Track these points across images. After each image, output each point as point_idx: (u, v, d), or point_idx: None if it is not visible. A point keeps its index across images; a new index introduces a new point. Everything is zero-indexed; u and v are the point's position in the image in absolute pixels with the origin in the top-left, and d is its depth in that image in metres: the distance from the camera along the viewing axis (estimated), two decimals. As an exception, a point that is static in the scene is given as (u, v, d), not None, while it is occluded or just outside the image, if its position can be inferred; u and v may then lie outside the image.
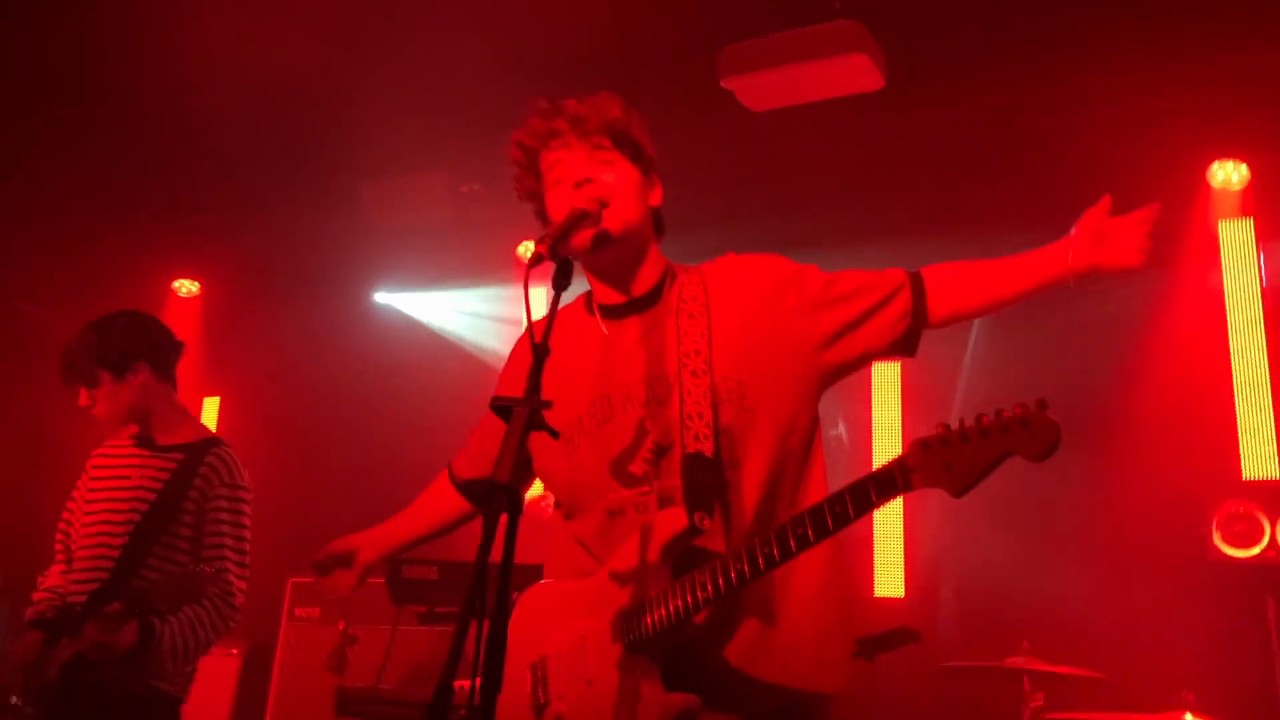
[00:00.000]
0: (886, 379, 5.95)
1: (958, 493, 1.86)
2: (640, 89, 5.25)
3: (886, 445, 5.83)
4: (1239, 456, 5.06)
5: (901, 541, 5.63)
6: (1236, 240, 5.33)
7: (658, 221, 2.43)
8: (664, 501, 2.17)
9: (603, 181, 2.31)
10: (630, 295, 2.36)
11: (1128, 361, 5.29)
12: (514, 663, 2.14)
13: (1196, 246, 5.36)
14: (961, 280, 2.34)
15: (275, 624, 5.60)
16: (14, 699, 3.26)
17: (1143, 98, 5.14)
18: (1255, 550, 4.81)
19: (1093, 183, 5.41)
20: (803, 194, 5.84)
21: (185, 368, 7.47)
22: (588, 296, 2.46)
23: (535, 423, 2.05)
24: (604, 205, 2.28)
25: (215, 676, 5.74)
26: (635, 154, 2.37)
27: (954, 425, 1.86)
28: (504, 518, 1.95)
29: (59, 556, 3.58)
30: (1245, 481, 5.02)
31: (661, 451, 2.20)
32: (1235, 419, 5.11)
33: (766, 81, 4.84)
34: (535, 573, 2.40)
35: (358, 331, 7.43)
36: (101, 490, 3.48)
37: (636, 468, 2.22)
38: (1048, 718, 3.96)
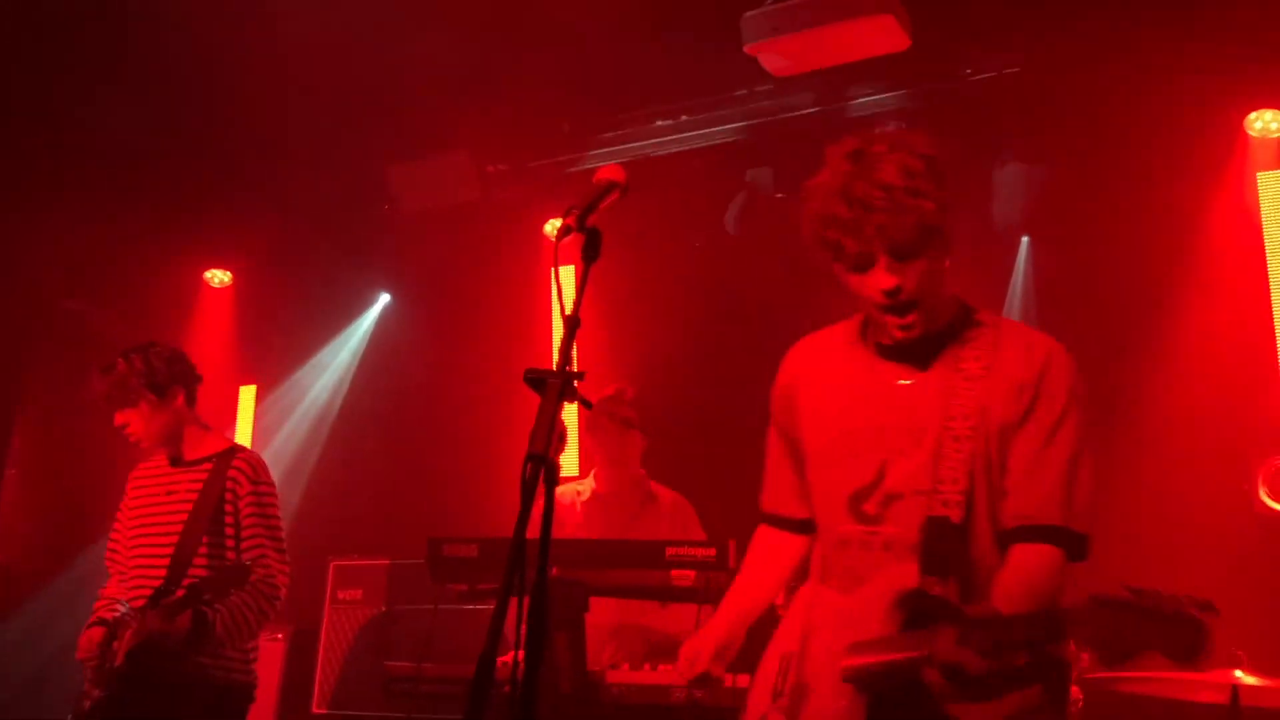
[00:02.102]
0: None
1: (1101, 664, 2.00)
2: (665, 56, 5.26)
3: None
4: (1281, 409, 4.98)
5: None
6: (1276, 191, 5.22)
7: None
8: (888, 547, 2.22)
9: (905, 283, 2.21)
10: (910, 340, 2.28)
11: (1168, 320, 5.21)
12: (774, 647, 2.37)
13: (1235, 198, 5.25)
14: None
15: (319, 607, 5.65)
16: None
17: (1178, 46, 5.03)
18: (1301, 504, 4.74)
19: (1131, 134, 5.36)
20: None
21: (220, 357, 7.58)
22: (863, 324, 2.41)
23: (568, 394, 2.06)
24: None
25: (262, 660, 5.77)
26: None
27: (1130, 596, 1.89)
28: (542, 491, 1.96)
29: (112, 570, 3.96)
30: (1291, 435, 4.94)
31: (893, 499, 2.23)
32: (1278, 372, 5.02)
33: (790, 46, 4.78)
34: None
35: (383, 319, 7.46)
36: (145, 508, 3.88)
37: (870, 508, 2.25)
38: (1094, 677, 3.92)
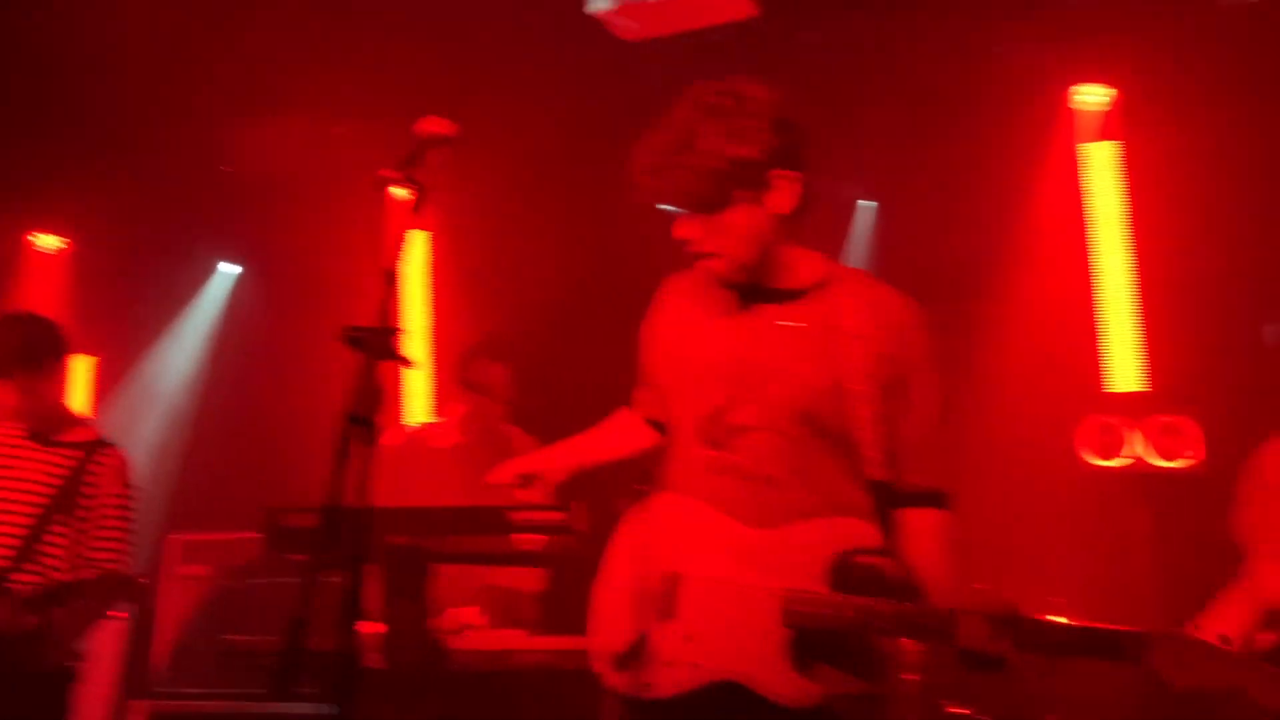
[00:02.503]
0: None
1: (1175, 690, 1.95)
2: (507, 20, 5.20)
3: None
4: (1102, 370, 5.26)
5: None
6: (1099, 161, 5.48)
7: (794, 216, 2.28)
8: (738, 472, 2.24)
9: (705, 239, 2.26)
10: (770, 285, 2.31)
11: (997, 287, 5.43)
12: (644, 559, 2.28)
13: (1060, 169, 5.49)
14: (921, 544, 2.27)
15: (157, 584, 5.47)
16: None
17: (1006, 20, 5.22)
18: (1120, 460, 5.01)
19: (960, 106, 5.54)
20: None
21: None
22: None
23: (388, 352, 2.03)
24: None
25: (103, 639, 5.61)
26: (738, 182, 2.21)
27: (1212, 639, 1.98)
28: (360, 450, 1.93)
29: None
30: (1109, 394, 5.22)
31: (743, 430, 2.24)
32: (1098, 335, 5.30)
33: (637, 11, 4.78)
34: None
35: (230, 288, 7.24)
36: None
37: (719, 434, 2.27)
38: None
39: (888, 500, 2.25)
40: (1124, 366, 5.27)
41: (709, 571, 2.23)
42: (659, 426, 2.54)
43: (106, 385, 7.19)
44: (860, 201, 5.95)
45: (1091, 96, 5.48)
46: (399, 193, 2.20)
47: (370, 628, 4.09)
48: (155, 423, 7.09)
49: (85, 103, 5.97)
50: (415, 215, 2.17)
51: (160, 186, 6.74)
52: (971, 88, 5.26)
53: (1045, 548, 4.84)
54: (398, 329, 2.05)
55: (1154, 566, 4.77)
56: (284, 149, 6.16)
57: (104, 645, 5.58)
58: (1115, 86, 5.44)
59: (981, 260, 5.42)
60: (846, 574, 2.15)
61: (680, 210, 2.25)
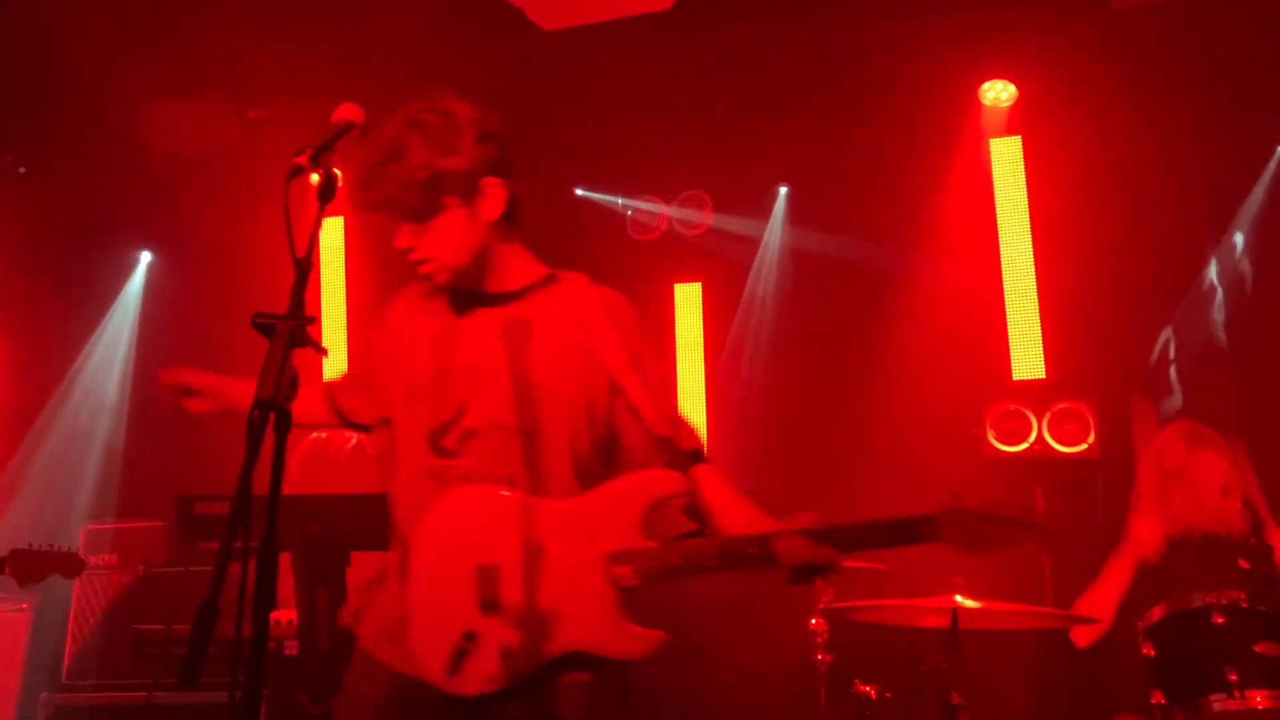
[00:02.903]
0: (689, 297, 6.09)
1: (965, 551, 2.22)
2: (428, 9, 5.17)
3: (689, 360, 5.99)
4: (1009, 359, 5.42)
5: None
6: (1006, 156, 5.65)
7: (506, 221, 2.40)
8: (465, 479, 2.31)
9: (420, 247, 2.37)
10: (488, 289, 2.44)
11: (908, 276, 5.56)
12: (452, 562, 2.29)
13: (970, 163, 5.65)
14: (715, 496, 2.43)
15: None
16: None
17: (919, 21, 5.35)
18: (1024, 445, 5.17)
19: (874, 99, 5.66)
20: (594, 114, 5.84)
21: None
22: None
23: (299, 339, 2.03)
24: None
25: (4, 633, 5.49)
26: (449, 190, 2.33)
27: (979, 506, 2.22)
28: (271, 439, 1.94)
29: None
30: (1015, 382, 5.39)
31: (470, 435, 2.32)
32: (1006, 325, 5.46)
33: (556, -1, 4.81)
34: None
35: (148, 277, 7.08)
36: None
37: (449, 443, 2.33)
38: (837, 607, 4.19)
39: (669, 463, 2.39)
40: (1027, 355, 5.45)
41: (524, 553, 2.27)
42: (339, 414, 2.69)
43: (11, 370, 6.99)
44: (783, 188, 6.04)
45: (1000, 92, 5.63)
46: (313, 179, 2.20)
47: (285, 615, 4.09)
48: (73, 411, 6.92)
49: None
50: (330, 201, 2.18)
51: (76, 169, 6.59)
52: (885, 80, 5.38)
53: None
54: (311, 316, 2.05)
55: (1053, 548, 4.94)
56: (203, 132, 6.04)
57: (5, 638, 5.47)
58: (1018, 83, 5.60)
59: (895, 250, 5.55)
60: (663, 522, 2.31)
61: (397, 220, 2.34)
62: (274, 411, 1.95)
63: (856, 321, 5.56)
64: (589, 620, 2.25)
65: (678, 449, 2.41)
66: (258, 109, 6.25)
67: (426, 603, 2.31)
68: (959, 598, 3.85)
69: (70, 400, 6.92)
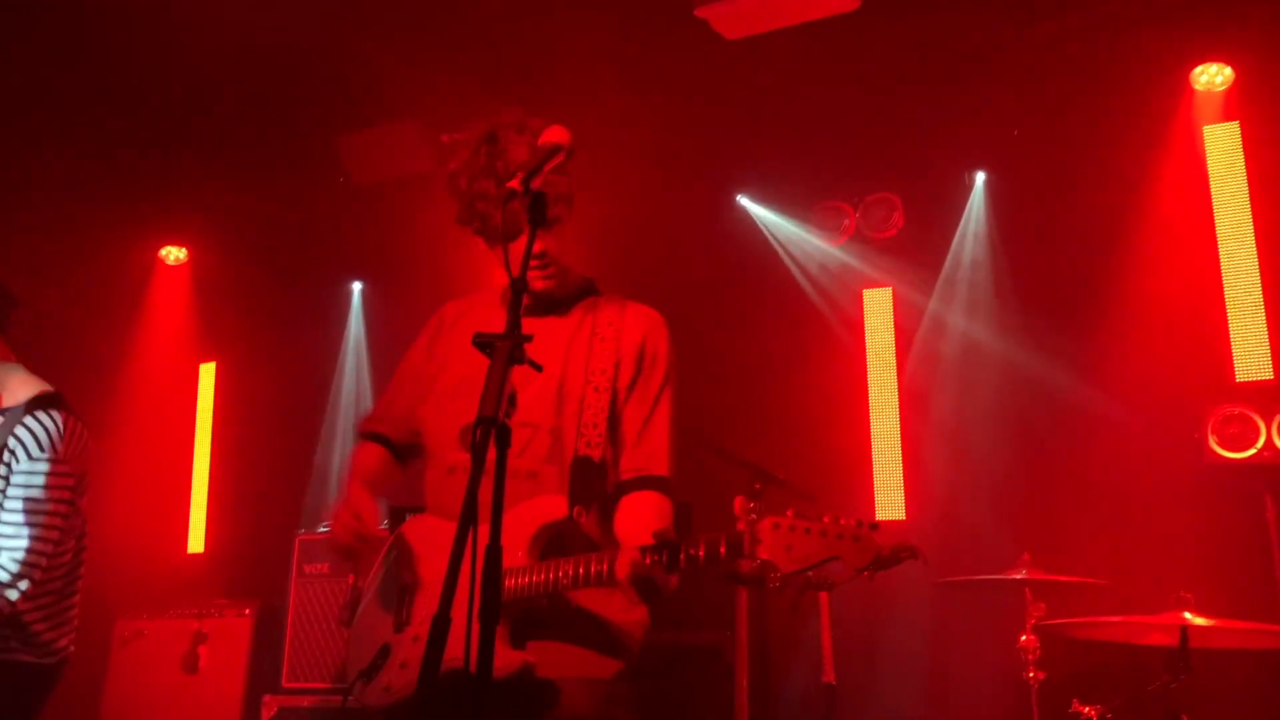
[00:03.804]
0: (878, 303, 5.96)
1: (785, 574, 2.06)
2: (614, 20, 5.24)
3: (881, 372, 5.85)
4: (1231, 359, 5.08)
5: (900, 463, 5.67)
6: (1222, 144, 5.29)
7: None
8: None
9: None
10: (548, 298, 2.63)
11: (1120, 274, 5.29)
12: (389, 582, 2.53)
13: (1182, 151, 5.33)
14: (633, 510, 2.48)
15: (285, 582, 5.65)
16: None
17: (1122, 3, 5.09)
18: (1250, 452, 4.83)
19: (1076, 88, 5.41)
20: (779, 120, 5.79)
21: (180, 335, 7.50)
22: (503, 292, 2.70)
23: (516, 357, 2.08)
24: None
25: (229, 637, 5.82)
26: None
27: (801, 516, 2.07)
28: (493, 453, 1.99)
29: None
30: (1238, 383, 5.04)
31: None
32: (1227, 322, 5.12)
33: (741, 8, 4.79)
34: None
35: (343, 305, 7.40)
36: None
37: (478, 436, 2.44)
38: (1050, 624, 4.01)
39: (618, 481, 2.50)
40: (1252, 354, 5.09)
41: (436, 575, 2.33)
42: (388, 443, 2.77)
43: (229, 390, 7.43)
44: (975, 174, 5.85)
45: (1214, 76, 5.29)
46: (526, 201, 2.26)
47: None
48: (278, 426, 7.27)
49: (206, 118, 6.20)
50: (542, 224, 2.24)
51: (280, 199, 6.97)
52: (1088, 68, 5.13)
53: (1173, 542, 4.71)
54: (527, 335, 2.10)
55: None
56: (398, 159, 6.29)
57: (229, 642, 5.80)
58: (1235, 66, 5.25)
59: (1106, 245, 5.28)
60: (548, 543, 2.37)
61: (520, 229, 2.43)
62: (494, 428, 2.00)
63: (1061, 322, 5.30)
64: (464, 638, 2.27)
65: (622, 476, 2.51)
66: (450, 133, 6.44)
67: (363, 620, 2.55)
68: (1188, 615, 3.63)
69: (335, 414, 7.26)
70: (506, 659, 2.27)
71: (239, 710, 5.63)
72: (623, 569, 2.21)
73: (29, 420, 3.24)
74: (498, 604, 1.93)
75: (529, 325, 2.52)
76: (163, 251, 7.55)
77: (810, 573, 2.06)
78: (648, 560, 2.19)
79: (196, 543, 7.18)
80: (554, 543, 2.38)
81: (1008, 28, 5.26)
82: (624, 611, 2.45)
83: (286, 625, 5.59)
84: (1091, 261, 5.31)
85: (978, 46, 5.35)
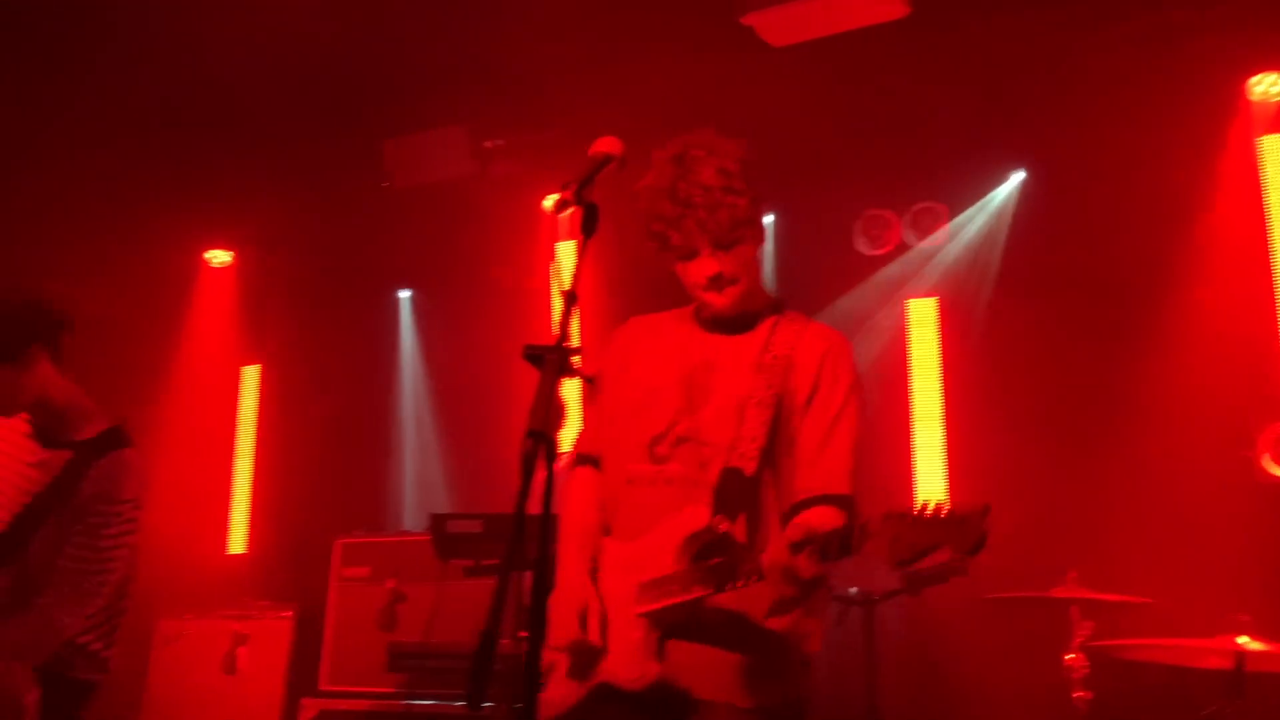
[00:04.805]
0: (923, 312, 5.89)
1: (896, 564, 2.06)
2: (657, 29, 5.23)
3: (925, 383, 5.79)
4: (1282, 376, 4.97)
5: (945, 476, 5.60)
6: (1278, 155, 5.19)
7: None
8: (670, 482, 2.49)
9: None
10: (730, 314, 2.64)
11: (1170, 287, 5.20)
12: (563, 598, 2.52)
13: (1237, 163, 5.23)
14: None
15: (324, 585, 5.66)
16: None
17: (1176, 10, 5.00)
18: (1303, 470, 4.73)
19: (1127, 97, 5.33)
20: (824, 128, 5.74)
21: (223, 337, 7.57)
22: (695, 310, 2.72)
23: (566, 369, 2.07)
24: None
25: (269, 639, 5.84)
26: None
27: (913, 508, 2.04)
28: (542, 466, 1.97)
29: None
30: (1292, 401, 4.93)
31: (682, 441, 2.50)
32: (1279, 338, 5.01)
33: (788, 15, 4.76)
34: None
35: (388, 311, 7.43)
36: None
37: (663, 449, 2.53)
38: (1098, 645, 3.94)
39: (794, 502, 2.48)
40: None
41: (611, 596, 2.45)
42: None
43: (272, 392, 7.48)
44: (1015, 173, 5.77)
45: (1270, 87, 5.19)
46: (570, 212, 2.25)
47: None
48: (319, 429, 7.30)
49: (253, 123, 6.25)
50: (593, 235, 2.22)
51: (326, 204, 7.02)
52: (1138, 78, 5.05)
53: (1225, 564, 4.61)
54: (576, 347, 2.09)
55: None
56: (441, 165, 6.31)
57: (269, 644, 5.82)
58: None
59: (1157, 258, 5.18)
60: (698, 551, 2.37)
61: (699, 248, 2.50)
62: (544, 442, 1.99)
63: (1109, 337, 5.21)
64: (616, 650, 2.38)
65: (803, 491, 2.48)
66: (493, 139, 6.47)
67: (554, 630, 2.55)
68: (1244, 639, 3.55)
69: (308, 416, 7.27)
70: (645, 669, 2.32)
71: (279, 712, 5.65)
72: (766, 558, 2.21)
73: (104, 463, 3.21)
74: (543, 620, 1.93)
75: (714, 343, 2.62)
76: (208, 254, 7.63)
77: (923, 561, 2.05)
78: (788, 551, 2.17)
79: (237, 544, 7.23)
80: (704, 553, 2.37)
81: (1059, 36, 5.19)
82: (776, 619, 2.43)
83: (326, 629, 5.61)
84: (1142, 273, 5.21)
85: (1028, 54, 5.29)
